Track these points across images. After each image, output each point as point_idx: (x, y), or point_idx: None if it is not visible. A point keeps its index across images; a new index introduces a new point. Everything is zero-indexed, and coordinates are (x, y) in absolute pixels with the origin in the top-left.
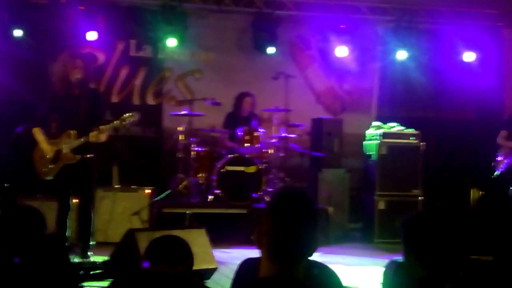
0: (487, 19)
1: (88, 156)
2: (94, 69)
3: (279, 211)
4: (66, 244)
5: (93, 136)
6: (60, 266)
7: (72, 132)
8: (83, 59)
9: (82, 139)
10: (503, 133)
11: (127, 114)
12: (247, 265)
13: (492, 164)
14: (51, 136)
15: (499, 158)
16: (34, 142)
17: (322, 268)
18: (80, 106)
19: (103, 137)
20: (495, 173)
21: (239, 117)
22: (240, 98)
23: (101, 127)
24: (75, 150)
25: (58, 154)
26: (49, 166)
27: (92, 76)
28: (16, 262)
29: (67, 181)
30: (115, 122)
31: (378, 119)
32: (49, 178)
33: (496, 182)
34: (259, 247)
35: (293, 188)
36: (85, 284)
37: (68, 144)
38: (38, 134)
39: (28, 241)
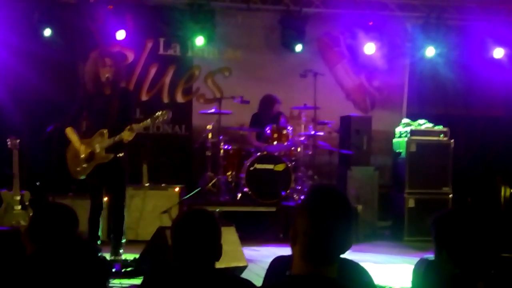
0: None
1: (120, 155)
2: (124, 68)
3: (316, 211)
4: (98, 242)
5: (125, 135)
6: (88, 264)
7: (104, 131)
8: (113, 57)
9: (115, 138)
10: None
11: (159, 113)
12: (278, 263)
13: None
14: (83, 135)
15: None
16: (66, 141)
17: (354, 266)
18: (111, 105)
19: (133, 136)
20: None
21: (266, 117)
22: (268, 103)
23: (134, 125)
24: (108, 150)
25: (91, 154)
26: (83, 165)
27: (122, 74)
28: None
29: (100, 180)
30: (147, 120)
31: (408, 116)
32: (82, 177)
33: None
34: (292, 246)
35: (328, 186)
36: (116, 281)
37: (101, 143)
38: (71, 133)
39: (60, 239)
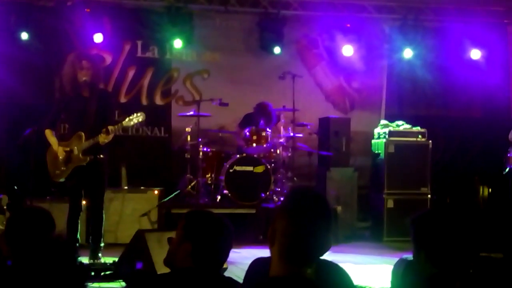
0: (493, 16)
1: (99, 157)
2: (102, 70)
3: (295, 212)
4: (76, 244)
5: (102, 137)
6: (65, 268)
7: (81, 133)
8: (91, 60)
9: (91, 141)
10: None
11: (134, 114)
12: (257, 265)
13: (503, 160)
14: (62, 138)
15: (510, 155)
16: (45, 144)
17: (333, 267)
18: (89, 107)
19: (110, 138)
20: (506, 169)
21: (257, 122)
22: (264, 111)
23: (109, 127)
24: (86, 152)
25: (69, 156)
26: (61, 168)
27: (100, 76)
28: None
29: (79, 182)
30: (122, 122)
31: (387, 117)
32: (61, 180)
33: (507, 179)
34: (270, 247)
35: (308, 188)
36: (95, 285)
37: (78, 145)
38: (50, 136)
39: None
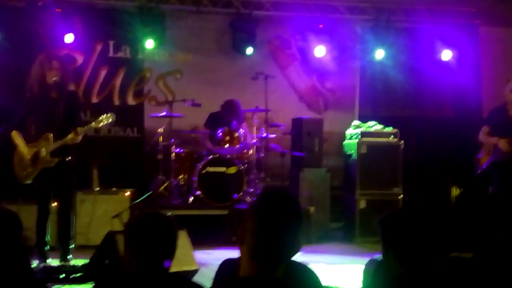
0: (464, 17)
1: (67, 158)
2: (71, 71)
3: (264, 212)
4: (46, 248)
5: (69, 138)
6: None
7: (49, 135)
8: (60, 60)
9: (60, 142)
10: (485, 129)
11: (104, 115)
12: (227, 265)
13: (474, 162)
14: (30, 139)
15: (479, 156)
16: (12, 146)
17: (301, 268)
18: (57, 108)
19: (79, 139)
20: (478, 171)
21: (223, 121)
22: (231, 108)
23: (78, 129)
24: (53, 153)
25: (36, 157)
26: (28, 169)
27: (69, 78)
28: None
29: (47, 184)
30: (91, 123)
31: (360, 117)
32: (28, 181)
33: (478, 180)
34: (240, 246)
35: (278, 188)
36: (66, 287)
37: (46, 147)
38: (16, 137)
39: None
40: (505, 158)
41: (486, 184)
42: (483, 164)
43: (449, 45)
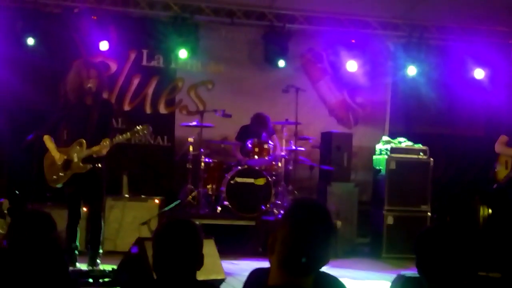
0: (497, 36)
1: (98, 165)
2: (107, 79)
3: (296, 221)
4: (76, 252)
5: (102, 148)
6: (55, 268)
7: (83, 141)
8: (97, 68)
9: (92, 150)
10: (502, 138)
11: (139, 127)
12: (256, 275)
13: (490, 175)
14: (63, 144)
15: (496, 168)
16: (45, 149)
17: (331, 279)
18: (91, 115)
19: (104, 151)
20: (495, 185)
21: (254, 133)
22: (261, 121)
23: (114, 139)
24: (85, 160)
25: (68, 163)
26: (59, 174)
27: (105, 85)
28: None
29: (77, 189)
30: (127, 134)
31: (390, 133)
32: (58, 185)
33: (495, 195)
34: (270, 255)
35: (311, 199)
36: None
37: (79, 153)
38: (48, 141)
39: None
40: None
41: (505, 199)
42: (503, 180)
43: (481, 64)
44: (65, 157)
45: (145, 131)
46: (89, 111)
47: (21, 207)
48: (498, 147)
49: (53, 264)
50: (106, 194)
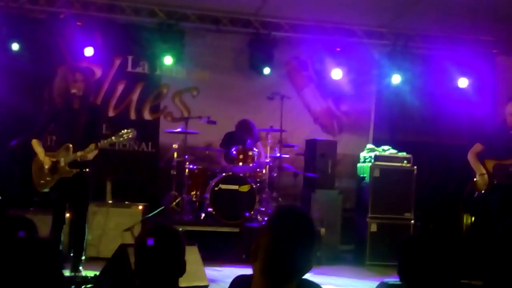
0: (481, 45)
1: (85, 170)
2: (93, 83)
3: (278, 229)
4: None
5: (89, 152)
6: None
7: (70, 145)
8: (83, 72)
9: (79, 154)
10: (476, 147)
11: (124, 131)
12: (239, 281)
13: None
14: (50, 148)
15: (476, 178)
16: (31, 154)
17: (314, 286)
18: (79, 119)
19: (90, 155)
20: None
21: (239, 140)
22: (245, 128)
23: (99, 143)
24: (72, 164)
25: (55, 167)
26: (46, 178)
27: (92, 90)
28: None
29: (63, 194)
30: (111, 138)
31: (374, 141)
32: (45, 190)
33: (475, 202)
34: (252, 262)
35: (294, 207)
36: None
37: (65, 157)
38: (37, 145)
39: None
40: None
41: (485, 206)
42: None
43: (465, 73)
44: (53, 160)
45: (130, 135)
46: (76, 115)
47: (3, 212)
48: (469, 156)
49: (45, 268)
50: (91, 199)
